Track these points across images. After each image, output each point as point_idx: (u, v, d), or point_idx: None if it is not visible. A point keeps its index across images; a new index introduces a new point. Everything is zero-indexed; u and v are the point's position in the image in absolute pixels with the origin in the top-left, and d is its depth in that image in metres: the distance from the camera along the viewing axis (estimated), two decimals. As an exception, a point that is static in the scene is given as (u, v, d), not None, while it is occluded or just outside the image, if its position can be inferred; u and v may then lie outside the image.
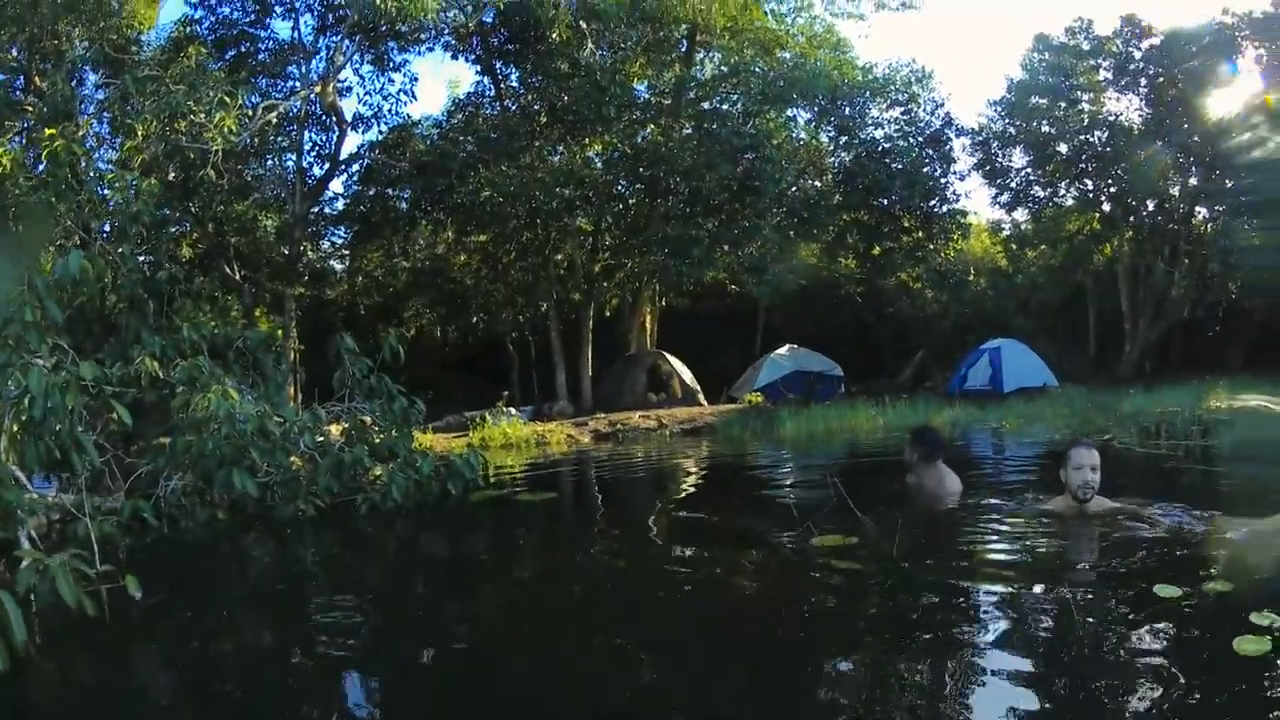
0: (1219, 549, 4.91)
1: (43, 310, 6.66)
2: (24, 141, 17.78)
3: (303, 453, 8.99)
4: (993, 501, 7.07)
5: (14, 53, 18.51)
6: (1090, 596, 4.32)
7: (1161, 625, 3.82)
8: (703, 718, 3.48)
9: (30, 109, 17.88)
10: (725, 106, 24.32)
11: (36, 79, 18.86)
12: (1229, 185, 24.88)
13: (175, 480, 8.03)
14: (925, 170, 27.06)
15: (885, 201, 27.02)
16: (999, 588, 4.67)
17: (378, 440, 9.41)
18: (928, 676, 3.53)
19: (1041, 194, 29.98)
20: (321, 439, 9.21)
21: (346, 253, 30.47)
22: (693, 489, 10.96)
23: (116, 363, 8.21)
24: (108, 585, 4.78)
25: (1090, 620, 3.93)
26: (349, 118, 23.00)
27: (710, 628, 4.54)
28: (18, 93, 19.17)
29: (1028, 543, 5.69)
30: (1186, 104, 25.42)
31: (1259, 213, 23.80)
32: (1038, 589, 4.57)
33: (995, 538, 5.92)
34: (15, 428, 5.94)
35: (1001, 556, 5.46)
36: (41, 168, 15.36)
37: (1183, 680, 3.23)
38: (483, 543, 7.89)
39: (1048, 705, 3.14)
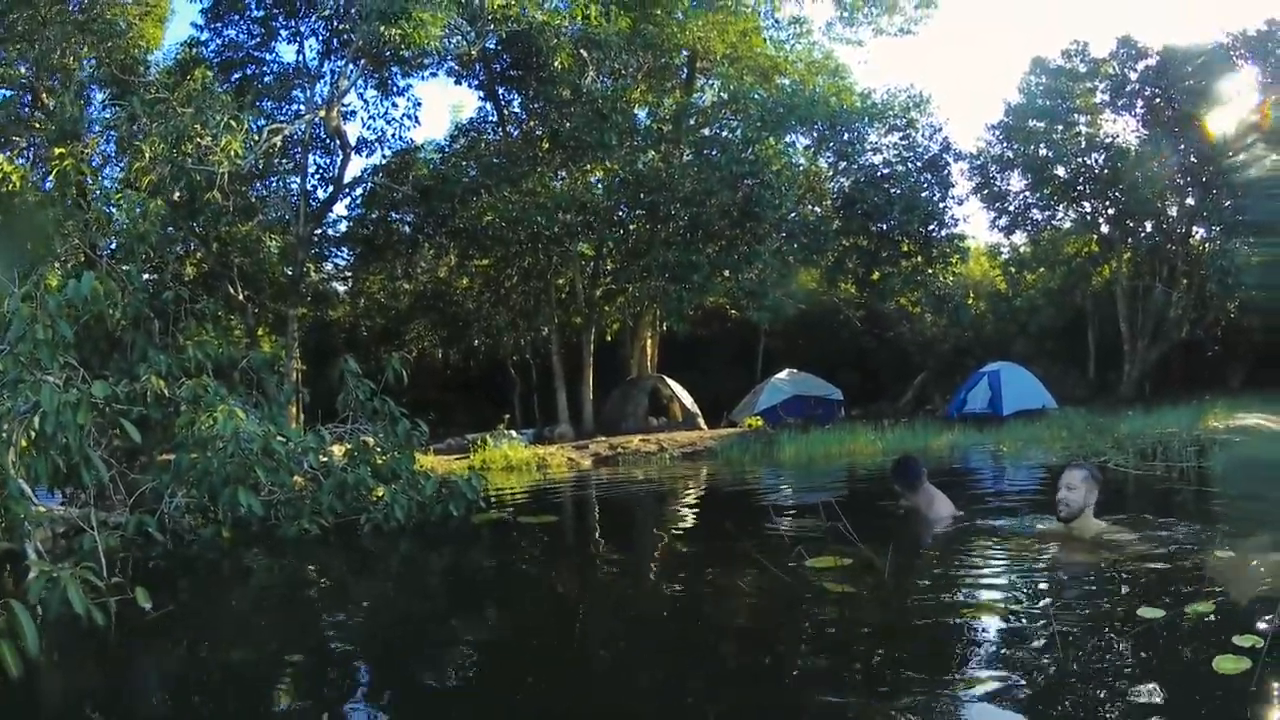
0: (1204, 571, 4.99)
1: (54, 328, 6.75)
2: (31, 158, 17.95)
3: (306, 473, 9.08)
4: (985, 523, 7.14)
5: (22, 69, 18.66)
6: (1075, 617, 4.40)
7: (1144, 646, 3.89)
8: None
9: (37, 125, 18.04)
10: (725, 133, 24.49)
11: (44, 96, 19.01)
12: (1226, 205, 25.03)
13: (179, 497, 8.12)
14: (924, 195, 27.20)
15: (884, 226, 27.14)
16: (986, 609, 4.76)
17: (380, 461, 9.50)
18: (916, 697, 3.61)
19: (1040, 217, 30.21)
20: (325, 459, 9.29)
21: (349, 274, 30.66)
22: (691, 512, 11.02)
23: (122, 380, 8.30)
24: (116, 597, 4.87)
25: (1074, 641, 4.00)
26: (353, 141, 23.19)
27: (704, 648, 4.61)
28: (25, 109, 19.33)
29: (1016, 563, 5.77)
30: (1183, 124, 25.60)
31: (1256, 232, 23.95)
32: (1024, 610, 4.64)
33: (984, 559, 6.00)
34: (24, 443, 6.04)
35: (989, 578, 5.54)
36: (49, 185, 15.53)
37: (1162, 698, 3.30)
38: (483, 563, 7.95)
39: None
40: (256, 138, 17.84)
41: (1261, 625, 4.70)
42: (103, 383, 7.11)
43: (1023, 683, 3.60)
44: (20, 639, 3.94)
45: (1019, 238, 31.77)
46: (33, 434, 5.98)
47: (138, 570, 6.11)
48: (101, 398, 6.95)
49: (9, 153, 16.67)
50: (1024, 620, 4.43)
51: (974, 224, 73.90)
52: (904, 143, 28.00)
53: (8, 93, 19.03)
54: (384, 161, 24.64)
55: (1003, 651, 4.00)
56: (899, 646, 4.32)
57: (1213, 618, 4.07)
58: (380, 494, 8.94)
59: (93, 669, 4.65)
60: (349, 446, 9.72)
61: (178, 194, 16.17)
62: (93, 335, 9.27)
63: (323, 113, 21.04)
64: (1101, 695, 3.41)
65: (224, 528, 8.15)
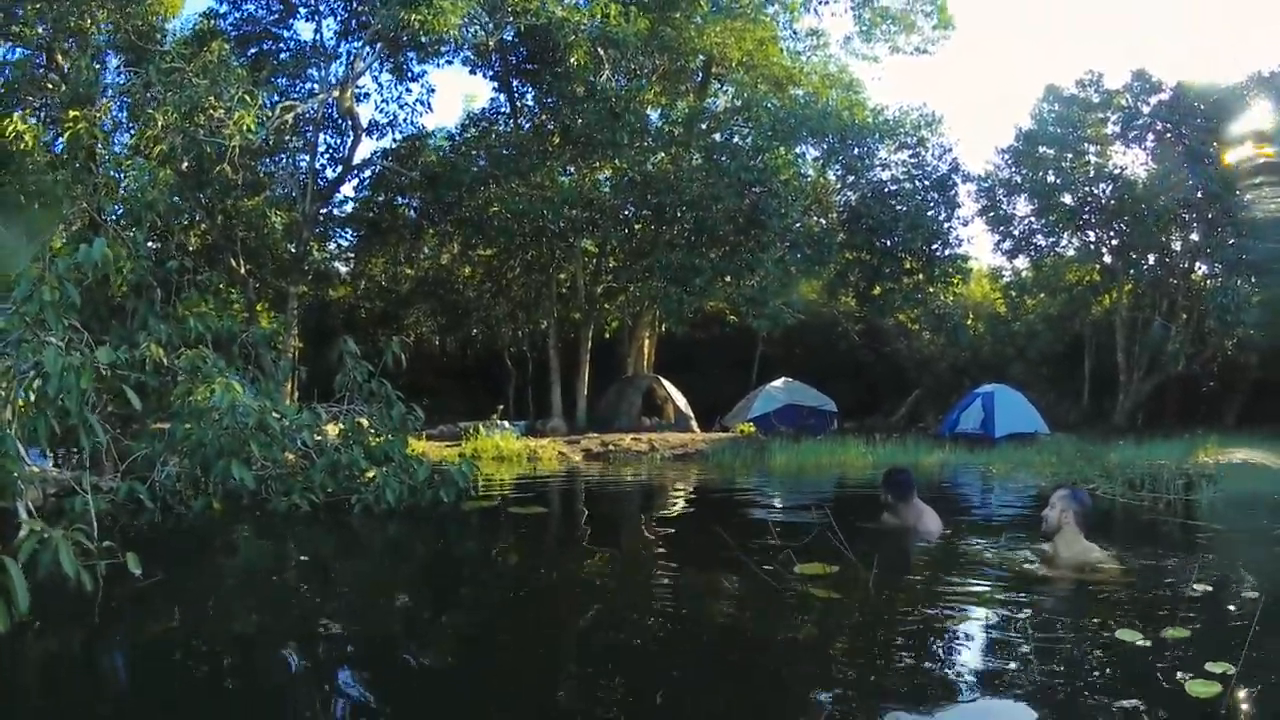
0: (1182, 599, 5.04)
1: (61, 290, 6.77)
2: (43, 119, 17.94)
3: (299, 450, 9.12)
4: (971, 541, 7.22)
5: (39, 29, 18.60)
6: (1054, 636, 4.46)
7: (1120, 666, 3.95)
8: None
9: (50, 86, 18.01)
10: (736, 139, 24.45)
11: (59, 57, 18.98)
12: (1230, 243, 25.07)
13: (171, 466, 8.15)
14: (930, 214, 27.26)
15: (888, 242, 27.17)
16: (967, 625, 4.80)
17: (374, 443, 9.53)
18: (893, 707, 3.66)
19: (1044, 243, 30.24)
20: (319, 438, 9.33)
21: (352, 256, 30.71)
22: (679, 513, 11.05)
23: (121, 346, 8.32)
24: (105, 560, 4.91)
25: (1052, 658, 4.07)
26: (364, 123, 23.24)
27: (686, 647, 4.64)
28: (39, 70, 19.30)
29: (999, 581, 5.83)
30: (1192, 160, 25.62)
31: (1259, 271, 24.04)
32: (1004, 626, 4.68)
33: (968, 575, 6.06)
34: (21, 403, 6.07)
35: (972, 593, 5.58)
36: (59, 146, 15.53)
37: (1132, 715, 3.36)
38: (470, 550, 8.00)
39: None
40: (269, 113, 17.87)
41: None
42: (107, 348, 7.15)
43: (999, 697, 3.66)
44: (10, 595, 3.96)
45: (1021, 262, 31.83)
46: (32, 395, 6.00)
47: (127, 537, 6.15)
48: (105, 363, 6.99)
49: (21, 110, 16.65)
50: (1003, 636, 4.47)
51: (978, 245, 73.62)
52: (913, 161, 28.07)
53: (24, 52, 18.97)
54: (394, 145, 24.72)
55: (980, 665, 4.06)
56: (879, 655, 4.37)
57: (1188, 643, 4.13)
58: (372, 475, 8.97)
59: (82, 632, 4.68)
60: (343, 426, 9.76)
61: (187, 164, 16.20)
62: (94, 300, 9.30)
63: (336, 93, 21.07)
64: (1076, 712, 3.46)
65: (214, 499, 8.19)
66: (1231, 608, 4.93)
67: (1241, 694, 3.45)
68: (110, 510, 6.75)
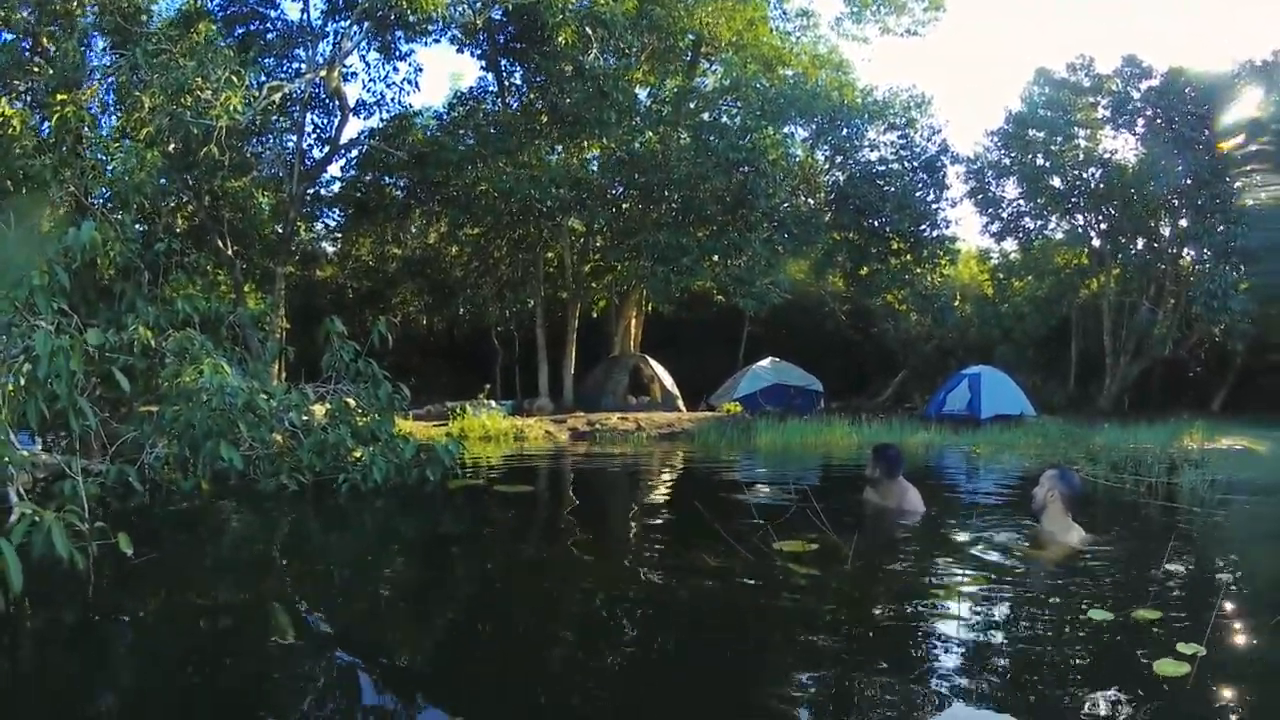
0: (1156, 580, 5.14)
1: (50, 275, 6.78)
2: (29, 103, 17.83)
3: (286, 430, 9.15)
4: (953, 521, 7.32)
5: (24, 13, 18.46)
6: (1029, 614, 4.56)
7: (1090, 645, 4.04)
8: (647, 712, 3.65)
9: (36, 70, 17.90)
10: (724, 119, 24.49)
11: (44, 40, 18.85)
12: (1219, 229, 25.14)
13: (160, 448, 8.18)
14: (918, 195, 27.33)
15: (876, 223, 27.25)
16: (943, 602, 4.87)
17: (360, 423, 9.57)
18: (868, 682, 3.73)
19: (1032, 226, 30.26)
20: (307, 418, 9.36)
21: (339, 235, 30.69)
22: (663, 491, 11.14)
23: (109, 329, 8.34)
24: (97, 541, 4.96)
25: (1025, 636, 4.19)
26: (352, 103, 23.15)
27: (666, 624, 4.72)
28: (25, 53, 19.16)
29: (978, 560, 5.91)
30: (1182, 146, 25.68)
31: (1248, 258, 24.16)
32: (979, 603, 4.77)
33: (948, 554, 6.14)
34: (11, 387, 6.09)
35: (950, 572, 5.67)
36: (47, 130, 15.45)
37: (1103, 694, 3.45)
38: (457, 529, 8.05)
39: (976, 711, 3.37)
40: (256, 94, 17.79)
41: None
42: (96, 330, 7.17)
43: (971, 672, 3.74)
44: (5, 577, 4.00)
45: (1009, 244, 31.96)
46: (22, 380, 6.02)
47: (117, 519, 6.19)
48: (94, 346, 7.01)
49: (8, 95, 16.54)
50: (978, 615, 4.55)
51: (965, 227, 73.85)
52: (902, 142, 28.14)
53: (10, 36, 18.81)
54: (381, 125, 24.60)
55: (953, 643, 4.13)
56: (856, 632, 4.46)
57: (1159, 624, 4.22)
58: (359, 455, 9.02)
59: (75, 611, 4.73)
60: (330, 406, 9.79)
61: (174, 146, 16.13)
62: (82, 283, 9.30)
63: (324, 72, 20.98)
64: (1047, 687, 3.56)
65: (203, 480, 8.22)
66: (1203, 589, 5.02)
67: (1208, 674, 3.54)
68: (100, 493, 6.77)
